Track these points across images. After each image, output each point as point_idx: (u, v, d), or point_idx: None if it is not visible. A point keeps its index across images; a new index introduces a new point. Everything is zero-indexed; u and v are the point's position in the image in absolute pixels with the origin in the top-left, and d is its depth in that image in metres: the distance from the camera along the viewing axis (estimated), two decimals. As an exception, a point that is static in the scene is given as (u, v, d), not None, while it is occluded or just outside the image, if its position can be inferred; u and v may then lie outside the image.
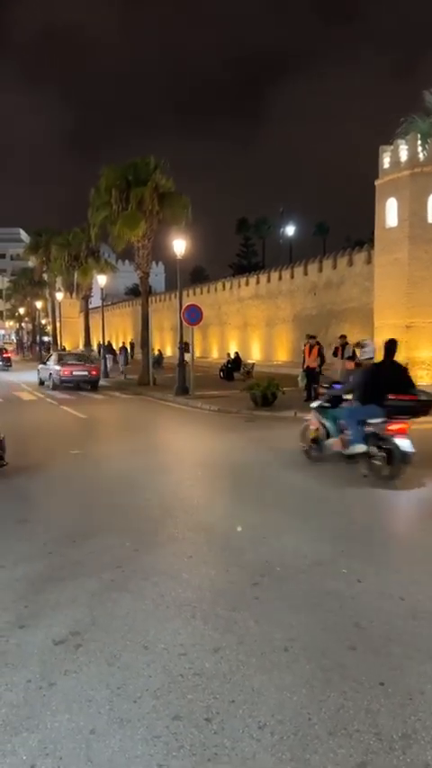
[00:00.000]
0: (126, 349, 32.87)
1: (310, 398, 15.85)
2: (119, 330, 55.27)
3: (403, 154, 18.66)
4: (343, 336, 16.16)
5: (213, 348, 38.37)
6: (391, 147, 19.29)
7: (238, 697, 2.91)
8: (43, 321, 58.41)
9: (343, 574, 4.46)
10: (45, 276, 45.84)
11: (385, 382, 7.22)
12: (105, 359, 28.80)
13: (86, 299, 35.29)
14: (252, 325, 34.32)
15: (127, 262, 53.12)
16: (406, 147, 18.56)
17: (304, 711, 2.80)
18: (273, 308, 32.50)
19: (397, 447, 6.91)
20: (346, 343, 15.63)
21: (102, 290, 29.26)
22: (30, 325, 63.76)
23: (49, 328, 52.90)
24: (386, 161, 19.46)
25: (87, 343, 35.51)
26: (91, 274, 32.49)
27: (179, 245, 19.03)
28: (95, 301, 38.85)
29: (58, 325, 45.48)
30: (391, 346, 7.60)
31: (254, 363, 26.56)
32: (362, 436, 7.28)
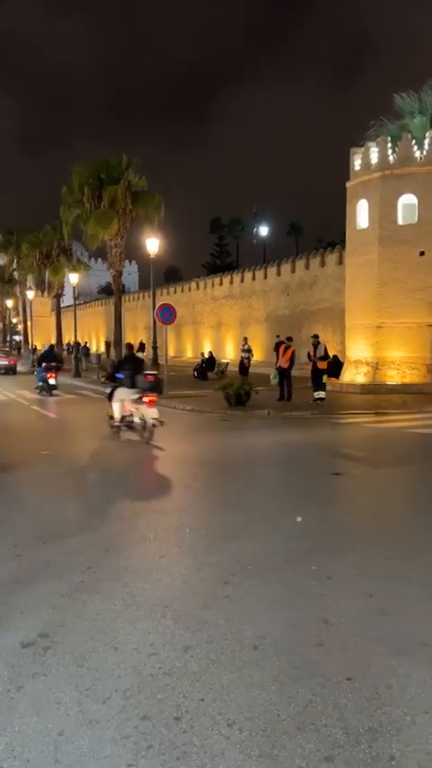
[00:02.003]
0: (88, 348, 32.92)
1: (283, 398, 16.00)
2: (91, 329, 54.81)
3: (374, 156, 18.89)
4: (315, 336, 16.32)
5: (187, 348, 38.33)
6: (362, 149, 19.52)
7: (208, 695, 2.93)
8: (14, 320, 57.56)
9: (313, 571, 4.51)
10: (15, 274, 45.17)
11: (46, 359, 17.64)
12: (78, 358, 28.55)
13: (58, 297, 34.91)
14: (226, 325, 34.38)
15: (100, 260, 52.69)
16: (376, 149, 18.80)
17: (273, 708, 2.82)
18: (246, 308, 32.60)
19: (50, 385, 18.16)
20: (318, 343, 15.80)
21: (74, 288, 28.99)
22: (0, 324, 62.78)
23: (20, 327, 52.14)
24: (357, 163, 19.68)
25: (59, 342, 35.15)
26: (62, 273, 32.17)
27: (152, 244, 18.98)
28: (67, 300, 38.46)
29: (29, 323, 44.90)
30: (50, 347, 21.46)
31: (228, 363, 26.62)
32: (40, 381, 17.82)
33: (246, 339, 23.17)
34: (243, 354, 21.51)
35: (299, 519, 5.71)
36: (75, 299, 30.44)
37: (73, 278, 28.71)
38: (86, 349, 34.24)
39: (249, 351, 21.44)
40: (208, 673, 3.12)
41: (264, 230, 56.38)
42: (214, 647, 3.38)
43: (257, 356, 29.91)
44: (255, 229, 56.55)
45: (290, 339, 17.07)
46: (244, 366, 21.17)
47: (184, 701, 2.88)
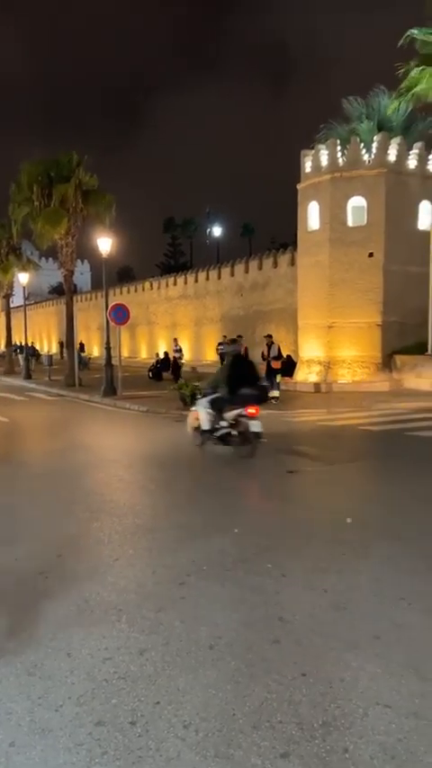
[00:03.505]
0: (35, 349, 32.47)
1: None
2: (43, 330, 53.78)
3: (323, 159, 19.21)
4: (269, 336, 16.48)
5: (142, 348, 38.06)
6: (312, 151, 19.82)
7: (164, 698, 2.91)
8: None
9: (268, 569, 4.54)
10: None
11: None
12: (28, 360, 27.95)
13: (8, 297, 34.00)
14: (181, 325, 34.31)
15: (51, 259, 51.71)
16: (326, 152, 19.12)
17: (229, 707, 2.83)
18: (201, 308, 32.63)
19: None
20: (272, 343, 15.97)
21: (24, 288, 28.36)
22: None
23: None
24: (308, 165, 19.97)
25: (9, 343, 34.33)
26: (12, 272, 31.34)
27: (104, 244, 18.76)
28: (17, 300, 37.59)
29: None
30: None
31: (183, 363, 26.55)
32: None
33: (176, 340, 23.90)
34: (176, 355, 21.96)
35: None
36: (25, 299, 29.77)
37: (23, 278, 28.07)
38: (33, 349, 33.63)
39: (180, 351, 22.08)
40: (163, 675, 3.11)
41: (217, 231, 56.60)
42: (170, 649, 3.36)
43: (212, 356, 30.02)
44: (208, 230, 56.73)
45: (240, 337, 17.32)
46: (177, 366, 21.54)
47: (140, 705, 2.85)
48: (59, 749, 2.56)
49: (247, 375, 8.96)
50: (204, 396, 9.34)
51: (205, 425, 9.01)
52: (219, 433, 8.93)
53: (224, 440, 8.91)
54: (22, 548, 5.10)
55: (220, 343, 22.95)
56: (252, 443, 8.52)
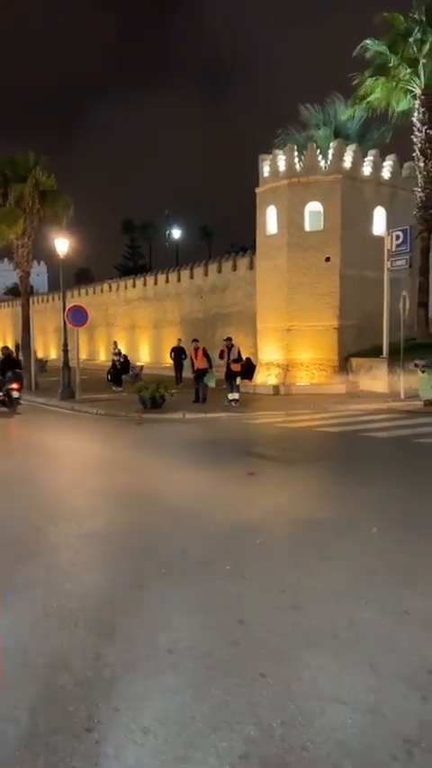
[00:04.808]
0: None
1: (198, 400, 16.07)
2: (-2, 332, 52.57)
3: (281, 164, 19.43)
4: (228, 339, 16.52)
5: (101, 350, 37.63)
6: (270, 156, 20.03)
7: (122, 704, 2.88)
8: None
9: (228, 571, 4.55)
10: None
11: None
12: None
13: (-39, 298, 33.23)
14: (140, 327, 34.08)
15: (6, 260, 50.72)
16: (284, 157, 19.35)
17: (188, 711, 2.81)
18: (160, 311, 32.49)
19: None
20: (232, 346, 16.02)
21: (-22, 289, 27.71)
22: None
23: None
24: (266, 170, 20.16)
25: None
26: (-34, 273, 30.62)
27: (61, 245, 18.50)
28: (-28, 301, 36.69)
29: None
30: None
31: (142, 366, 26.41)
32: None
33: (116, 343, 23.68)
34: (114, 358, 21.67)
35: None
36: (-21, 300, 29.07)
37: (-23, 278, 27.48)
38: None
39: (120, 354, 21.86)
40: (122, 681, 3.07)
41: (176, 233, 56.51)
42: (129, 655, 3.33)
43: (168, 360, 29.94)
44: (167, 232, 56.58)
45: (196, 340, 17.40)
46: (116, 369, 21.30)
47: (97, 712, 2.81)
48: (14, 760, 2.50)
49: (12, 366, 15.44)
50: None
51: None
52: None
53: (3, 403, 14.97)
54: (-24, 555, 4.97)
55: (173, 348, 23.04)
56: (14, 405, 14.88)
